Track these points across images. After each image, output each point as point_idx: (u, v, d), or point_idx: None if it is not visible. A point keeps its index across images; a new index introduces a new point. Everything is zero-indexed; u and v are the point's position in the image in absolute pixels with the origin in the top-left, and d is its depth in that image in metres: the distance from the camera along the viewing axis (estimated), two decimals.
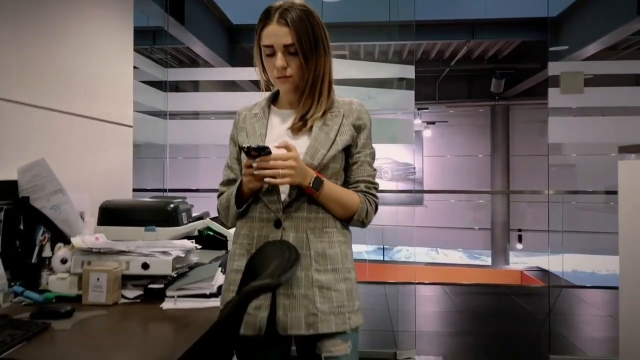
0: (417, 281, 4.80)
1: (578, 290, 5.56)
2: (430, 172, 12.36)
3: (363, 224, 1.35)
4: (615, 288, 2.14)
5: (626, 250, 1.98)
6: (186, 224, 2.24)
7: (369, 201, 1.34)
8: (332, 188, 1.29)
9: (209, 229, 2.43)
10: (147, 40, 8.66)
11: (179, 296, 1.58)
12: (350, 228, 1.39)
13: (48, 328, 1.30)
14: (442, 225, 12.26)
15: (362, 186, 1.35)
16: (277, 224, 1.28)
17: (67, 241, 1.73)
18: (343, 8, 6.15)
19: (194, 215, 2.43)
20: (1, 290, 1.53)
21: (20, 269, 1.66)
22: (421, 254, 13.22)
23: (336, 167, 1.32)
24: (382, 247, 12.38)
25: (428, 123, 11.92)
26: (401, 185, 11.80)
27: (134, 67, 3.11)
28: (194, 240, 1.97)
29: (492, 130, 12.11)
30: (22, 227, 1.73)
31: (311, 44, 1.27)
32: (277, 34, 1.26)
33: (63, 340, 1.26)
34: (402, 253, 13.23)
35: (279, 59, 1.27)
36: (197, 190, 4.02)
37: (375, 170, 1.38)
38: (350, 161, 1.36)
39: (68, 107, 2.20)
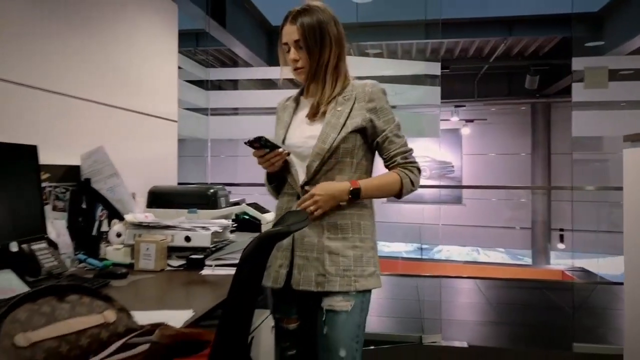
0: (445, 274, 4.91)
1: (618, 287, 5.50)
2: (470, 170, 12.29)
3: (408, 193, 1.49)
4: None
5: (631, 243, 2.03)
6: (224, 207, 2.48)
7: (409, 170, 1.48)
8: (370, 186, 1.46)
9: (244, 213, 2.67)
10: (190, 42, 9.08)
11: (216, 265, 1.80)
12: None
13: (108, 285, 1.55)
14: (482, 224, 12.19)
15: (398, 159, 1.48)
16: (298, 198, 1.49)
17: (121, 218, 2.00)
18: (376, 8, 6.30)
19: (231, 200, 2.68)
20: (68, 257, 1.80)
21: (83, 241, 1.94)
22: (462, 254, 13.12)
23: (348, 147, 1.47)
24: (420, 246, 12.38)
25: (467, 121, 11.85)
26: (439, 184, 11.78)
27: (178, 68, 3.40)
28: (230, 222, 2.20)
29: (532, 128, 11.92)
30: (84, 206, 2.00)
31: (316, 38, 1.45)
32: (289, 33, 1.49)
33: (120, 293, 1.51)
34: (443, 253, 13.17)
35: (292, 54, 1.49)
36: (236, 185, 4.28)
37: (402, 137, 1.50)
38: (378, 141, 1.49)
39: (122, 103, 2.48)
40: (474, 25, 8.54)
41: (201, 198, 2.39)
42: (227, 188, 2.61)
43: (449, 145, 11.99)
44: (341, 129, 1.46)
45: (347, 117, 1.47)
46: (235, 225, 2.55)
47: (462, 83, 11.21)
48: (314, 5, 1.48)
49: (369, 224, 1.50)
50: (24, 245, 1.52)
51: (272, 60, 8.44)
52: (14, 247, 1.47)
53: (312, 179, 1.49)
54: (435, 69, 3.45)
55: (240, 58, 8.10)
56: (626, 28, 6.76)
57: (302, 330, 1.57)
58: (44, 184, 1.83)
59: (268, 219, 2.68)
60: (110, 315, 0.99)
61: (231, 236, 2.41)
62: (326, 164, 1.47)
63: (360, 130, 1.48)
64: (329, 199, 1.43)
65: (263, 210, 2.78)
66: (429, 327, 3.43)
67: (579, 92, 3.18)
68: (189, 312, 1.26)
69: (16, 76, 1.82)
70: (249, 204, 2.75)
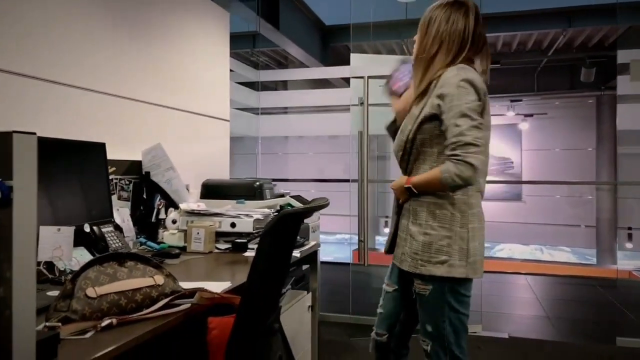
0: (493, 270, 4.91)
1: None
2: (530, 166, 11.95)
3: (456, 187, 1.45)
4: None
5: None
6: (269, 199, 2.70)
7: (453, 163, 1.41)
8: (419, 182, 1.53)
9: (288, 204, 2.88)
10: (247, 44, 9.43)
11: None
12: None
13: (163, 262, 1.80)
14: (543, 221, 11.83)
15: (448, 150, 1.45)
16: None
17: (176, 207, 2.26)
18: (426, 5, 6.34)
19: (276, 193, 2.90)
20: (131, 239, 2.07)
21: (144, 226, 2.21)
22: (525, 253, 12.76)
23: (424, 136, 1.54)
24: None
25: (525, 115, 11.53)
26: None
27: (230, 70, 3.67)
28: (273, 211, 2.41)
29: (597, 122, 11.41)
30: (145, 196, 2.28)
31: (423, 28, 1.60)
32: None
33: (172, 269, 1.75)
34: (504, 252, 12.86)
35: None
36: (287, 180, 4.51)
37: (460, 125, 1.42)
38: (442, 129, 1.49)
39: (179, 104, 2.76)
40: (531, 18, 8.33)
41: (248, 190, 2.62)
42: (279, 183, 2.84)
43: (508, 141, 11.72)
44: (416, 119, 1.55)
45: (422, 108, 1.54)
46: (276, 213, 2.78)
47: (521, 77, 10.92)
48: (442, 2, 1.59)
49: (448, 214, 1.50)
50: (95, 228, 1.79)
51: (326, 59, 8.64)
52: (87, 228, 1.75)
53: (404, 168, 1.64)
54: None
55: (295, 58, 8.37)
56: None
57: (399, 294, 1.74)
58: (111, 177, 2.11)
59: None
60: (159, 279, 1.22)
61: None
62: (410, 154, 1.59)
63: (433, 118, 1.50)
64: (400, 192, 1.61)
65: (305, 202, 2.99)
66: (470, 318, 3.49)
67: (624, 85, 3.14)
68: (227, 283, 1.47)
69: (86, 82, 2.11)
70: (292, 196, 2.97)
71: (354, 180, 3.49)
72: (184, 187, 2.36)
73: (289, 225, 1.30)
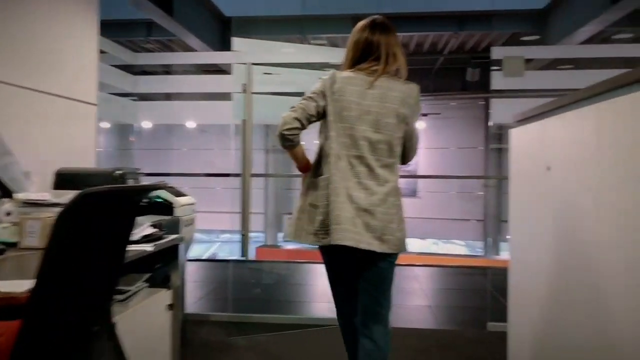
0: None
1: None
2: (426, 164, 12.48)
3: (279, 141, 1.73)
4: None
5: (516, 222, 2.11)
6: None
7: None
8: None
9: (157, 196, 2.66)
10: (141, 31, 8.88)
11: None
12: None
13: None
14: (437, 217, 12.42)
15: None
16: None
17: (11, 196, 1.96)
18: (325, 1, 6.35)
19: (146, 184, 2.66)
20: None
21: None
22: (421, 247, 13.30)
23: None
24: None
25: (421, 115, 12.01)
26: None
27: (103, 52, 3.34)
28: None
29: (486, 122, 12.17)
30: None
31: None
32: None
33: None
34: None
35: None
36: (182, 175, 4.24)
37: (304, 99, 1.75)
38: None
39: (28, 83, 2.43)
40: (424, 19, 8.65)
41: (106, 180, 2.36)
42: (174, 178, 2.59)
43: None
44: None
45: None
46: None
47: (418, 77, 11.32)
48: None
49: (310, 190, 1.79)
50: None
51: (226, 50, 8.34)
52: None
53: None
54: None
55: (193, 49, 7.99)
56: (567, 24, 7.02)
57: None
58: None
59: (182, 202, 2.68)
60: None
61: (142, 217, 2.40)
62: None
63: None
64: None
65: (179, 194, 2.78)
66: None
67: (498, 80, 3.28)
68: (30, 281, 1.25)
69: None
70: (164, 187, 2.74)
71: (254, 175, 3.32)
72: (22, 174, 2.07)
73: (101, 208, 1.12)
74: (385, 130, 1.71)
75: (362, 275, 1.78)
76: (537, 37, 6.85)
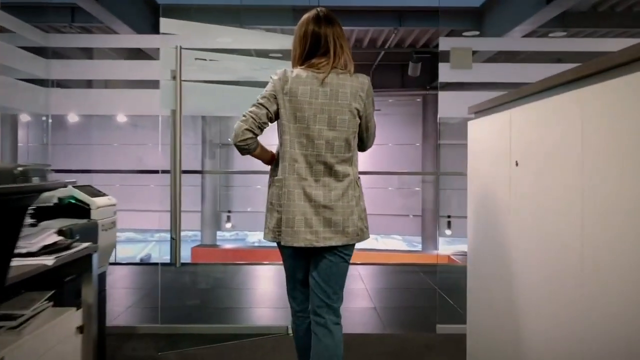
0: None
1: None
2: (364, 159, 12.45)
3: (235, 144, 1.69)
4: None
5: (474, 217, 2.00)
6: None
7: None
8: None
9: (71, 197, 2.29)
10: (65, 17, 8.22)
11: None
12: None
13: None
14: (378, 212, 12.46)
15: None
16: None
17: None
18: None
19: (56, 182, 2.29)
20: None
21: None
22: (362, 242, 13.29)
23: None
24: None
25: None
26: None
27: (8, 31, 2.92)
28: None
29: (423, 119, 12.36)
30: None
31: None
32: None
33: None
34: None
35: None
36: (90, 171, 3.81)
37: (254, 105, 1.72)
38: None
39: None
40: (363, 14, 8.56)
41: (6, 178, 1.99)
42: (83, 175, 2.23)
43: None
44: None
45: None
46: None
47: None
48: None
49: (271, 190, 1.81)
50: None
51: None
52: None
53: None
54: None
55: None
56: (503, 22, 7.17)
57: None
58: None
59: (99, 204, 2.34)
60: None
61: (50, 222, 2.06)
62: None
63: None
64: None
65: (96, 194, 2.43)
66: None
67: (445, 73, 3.15)
68: None
69: None
70: (79, 186, 2.38)
71: (185, 172, 2.97)
72: None
73: None
74: (341, 127, 1.71)
75: (318, 267, 1.80)
76: (476, 33, 6.92)
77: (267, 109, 1.70)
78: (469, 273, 2.05)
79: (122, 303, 3.85)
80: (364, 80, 1.77)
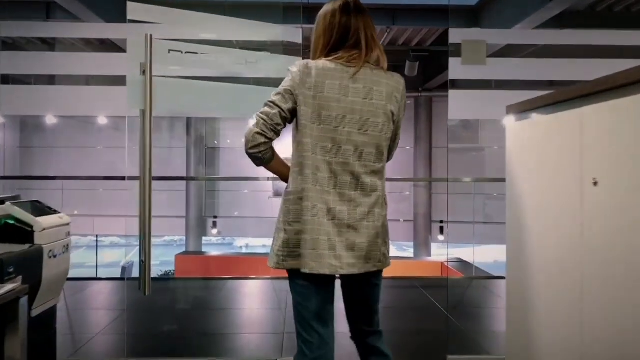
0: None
1: (492, 281, 5.39)
2: None
3: (247, 152, 1.44)
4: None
5: (513, 226, 1.64)
6: None
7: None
8: None
9: (9, 216, 1.86)
10: (39, 13, 7.77)
11: None
12: None
13: None
14: None
15: None
16: None
17: None
18: None
19: None
20: None
21: None
22: None
23: None
24: None
25: None
26: None
27: None
28: None
29: (415, 122, 12.04)
30: None
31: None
32: None
33: None
34: None
35: None
36: (52, 178, 3.35)
37: (265, 105, 1.48)
38: None
39: None
40: None
41: None
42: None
43: None
44: None
45: None
46: None
47: None
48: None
49: (281, 206, 1.53)
50: None
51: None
52: None
53: None
54: (296, 35, 2.85)
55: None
56: (499, 22, 6.94)
57: None
58: None
59: (45, 224, 1.90)
60: None
61: None
62: None
63: None
64: None
65: (43, 212, 1.99)
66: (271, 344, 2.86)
67: (456, 69, 2.78)
68: None
69: None
70: (21, 203, 1.95)
71: (156, 179, 2.54)
72: None
73: None
74: (373, 132, 1.48)
75: (351, 297, 1.64)
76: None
77: (280, 107, 1.44)
78: (509, 291, 1.69)
79: (91, 329, 3.42)
80: (400, 80, 1.54)
